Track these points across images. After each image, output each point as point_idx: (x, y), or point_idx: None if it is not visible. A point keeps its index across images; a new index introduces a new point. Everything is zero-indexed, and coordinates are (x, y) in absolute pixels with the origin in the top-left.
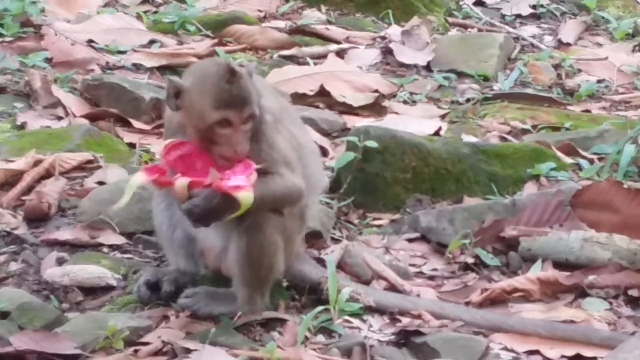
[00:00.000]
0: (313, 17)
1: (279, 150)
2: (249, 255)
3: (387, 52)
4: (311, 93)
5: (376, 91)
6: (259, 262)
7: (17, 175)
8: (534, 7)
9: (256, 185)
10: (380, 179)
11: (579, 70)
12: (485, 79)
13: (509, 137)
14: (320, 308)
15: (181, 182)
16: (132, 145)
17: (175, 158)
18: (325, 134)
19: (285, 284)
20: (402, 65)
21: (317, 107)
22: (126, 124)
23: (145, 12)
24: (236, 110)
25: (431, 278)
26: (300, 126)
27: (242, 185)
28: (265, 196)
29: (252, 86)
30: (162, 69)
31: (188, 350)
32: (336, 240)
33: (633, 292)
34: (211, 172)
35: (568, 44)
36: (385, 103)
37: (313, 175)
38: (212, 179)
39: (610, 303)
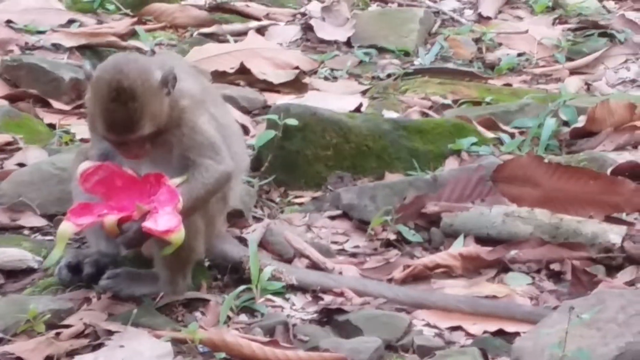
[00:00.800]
0: None
1: (202, 133)
2: None
3: (308, 28)
4: (231, 71)
5: (297, 68)
6: (181, 247)
7: None
8: None
9: (183, 192)
10: (301, 157)
11: (500, 44)
12: (406, 54)
13: (430, 113)
14: (242, 287)
15: (109, 220)
16: (52, 126)
17: (93, 184)
18: (246, 111)
19: (207, 263)
20: (322, 41)
21: (238, 84)
22: (46, 105)
23: None
24: (118, 135)
25: (353, 255)
26: (222, 106)
27: (172, 227)
28: (195, 201)
29: (146, 105)
30: (82, 49)
31: (110, 332)
32: (258, 219)
33: (555, 267)
34: (137, 208)
35: (488, 18)
36: (306, 80)
37: (237, 155)
38: (139, 213)
39: (533, 277)
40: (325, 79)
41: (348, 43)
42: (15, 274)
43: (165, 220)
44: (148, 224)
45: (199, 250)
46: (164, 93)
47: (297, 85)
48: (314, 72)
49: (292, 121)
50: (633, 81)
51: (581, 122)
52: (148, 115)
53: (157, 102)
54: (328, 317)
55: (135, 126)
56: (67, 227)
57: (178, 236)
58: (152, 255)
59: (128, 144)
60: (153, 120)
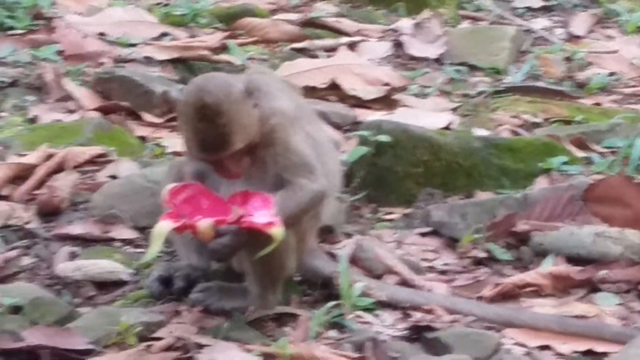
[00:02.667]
0: (324, 9)
1: (296, 152)
2: (262, 256)
3: (398, 45)
4: (322, 86)
5: (387, 84)
6: (271, 261)
7: (29, 170)
8: None
9: (276, 209)
10: (392, 173)
11: (590, 63)
12: (497, 72)
13: (521, 131)
14: (332, 303)
15: (205, 223)
16: (143, 139)
17: (180, 201)
18: (337, 127)
19: (297, 278)
20: (413, 58)
21: (328, 100)
22: (137, 118)
23: (156, 4)
24: (212, 153)
25: (443, 273)
26: (316, 123)
27: (272, 221)
28: (288, 218)
29: (233, 118)
30: (174, 62)
31: (200, 346)
32: (348, 235)
33: None
34: (233, 210)
35: (579, 37)
36: (397, 96)
37: (331, 173)
38: (235, 217)
39: (622, 298)
40: (416, 95)
41: (438, 60)
42: (106, 285)
43: (264, 217)
44: (247, 221)
45: (290, 266)
46: (251, 104)
47: (387, 101)
48: (404, 89)
49: (384, 137)
50: None
51: None
52: (237, 128)
53: (244, 114)
54: (417, 334)
55: (226, 142)
56: (163, 225)
57: (279, 231)
58: (243, 269)
59: (224, 162)
60: (243, 134)
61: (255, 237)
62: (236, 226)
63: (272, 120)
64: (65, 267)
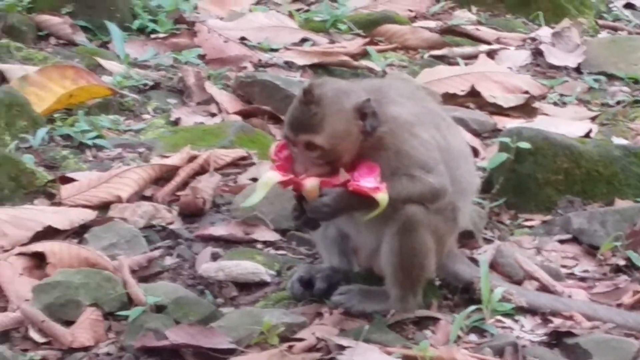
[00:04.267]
0: (464, 17)
1: (409, 156)
2: (402, 256)
3: (537, 53)
4: (462, 93)
5: (526, 92)
6: (411, 264)
7: (172, 171)
8: None
9: (387, 186)
10: (532, 180)
11: None
12: (636, 81)
13: None
14: (472, 307)
15: (312, 182)
16: None
17: (286, 156)
18: (476, 134)
19: (437, 282)
20: (552, 66)
21: (468, 107)
22: (278, 121)
23: (297, 10)
24: (292, 133)
25: (582, 279)
26: (448, 129)
27: (378, 186)
28: (394, 199)
29: (329, 117)
30: (314, 67)
31: (342, 347)
32: (488, 241)
33: None
34: (341, 173)
35: None
36: (536, 104)
37: (463, 178)
38: (342, 179)
39: None
40: (555, 104)
41: (577, 69)
42: (248, 286)
43: (369, 183)
44: (354, 184)
45: (430, 269)
46: (356, 122)
47: (526, 109)
48: (543, 97)
49: (524, 144)
50: None
51: None
52: (328, 127)
53: (343, 125)
54: (557, 340)
55: (310, 127)
56: (271, 176)
57: (384, 196)
58: (383, 274)
59: (300, 151)
60: (331, 137)
61: (359, 203)
62: (341, 188)
63: (382, 127)
64: (207, 267)
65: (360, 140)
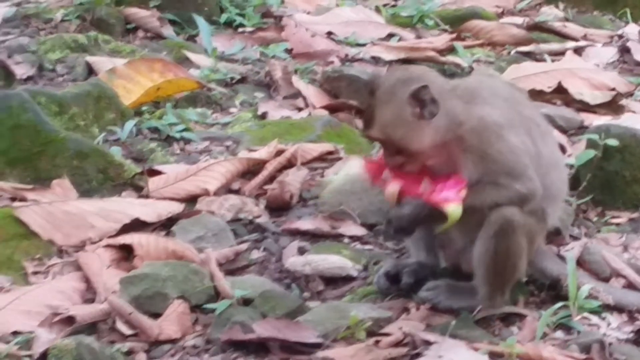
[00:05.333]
0: (550, 14)
1: (494, 162)
2: (496, 258)
3: (624, 50)
4: (548, 90)
5: (613, 89)
6: (505, 265)
7: (259, 165)
8: None
9: (471, 192)
10: (619, 178)
11: None
12: None
13: None
14: (559, 304)
15: (392, 188)
16: None
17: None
18: (563, 131)
19: (524, 279)
20: (638, 64)
21: (554, 104)
22: None
23: (384, 5)
24: (363, 127)
25: None
26: (541, 136)
27: (451, 198)
28: (479, 205)
29: (379, 107)
30: (401, 63)
31: (428, 343)
32: (575, 238)
33: None
34: (424, 183)
35: None
36: (622, 102)
37: (553, 185)
38: (423, 190)
39: None
40: None
41: None
42: (334, 281)
43: (445, 194)
44: (428, 195)
45: (522, 270)
46: (411, 110)
47: (613, 106)
48: (629, 95)
49: (613, 142)
50: None
51: None
52: (379, 118)
53: (394, 113)
54: None
55: (367, 123)
56: (358, 162)
57: (455, 209)
58: (473, 271)
59: (382, 146)
60: (384, 128)
61: (435, 216)
62: (420, 200)
63: (465, 126)
64: (294, 261)
65: (434, 134)
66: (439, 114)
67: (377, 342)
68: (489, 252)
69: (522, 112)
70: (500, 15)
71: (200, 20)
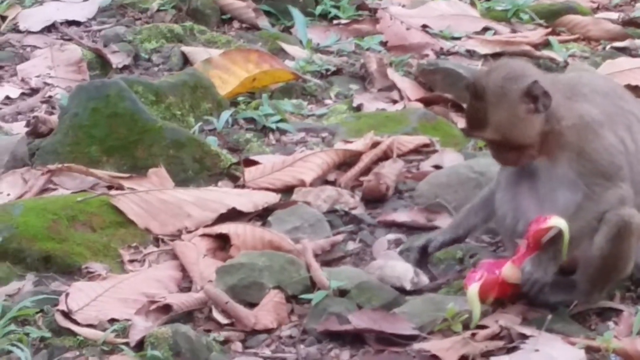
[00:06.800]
0: None
1: (591, 160)
2: (608, 260)
3: None
4: None
5: None
6: (615, 266)
7: (355, 156)
8: None
9: (570, 225)
10: None
11: None
12: None
13: None
14: None
15: (507, 268)
16: None
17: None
18: None
19: None
20: None
21: None
22: (460, 110)
23: None
24: (467, 130)
25: None
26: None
27: (476, 279)
28: (580, 233)
29: (492, 108)
30: (496, 56)
31: (525, 336)
32: None
33: None
34: (521, 245)
35: None
36: None
37: None
38: (523, 248)
39: None
40: None
41: None
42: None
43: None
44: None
45: (627, 272)
46: (526, 106)
47: None
48: None
49: None
50: None
51: None
52: (493, 119)
53: (509, 112)
54: None
55: (476, 124)
56: (473, 289)
57: (470, 290)
58: (577, 267)
59: (492, 146)
60: (499, 128)
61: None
62: (532, 254)
63: (564, 122)
64: (372, 264)
65: (541, 126)
66: (537, 112)
67: (473, 334)
68: (602, 255)
69: (623, 107)
70: (596, 10)
71: (295, 12)
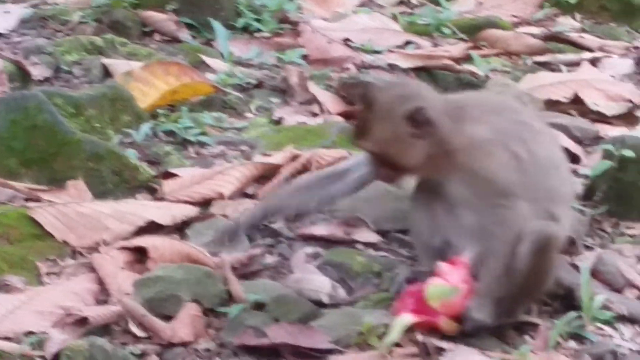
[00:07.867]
0: (567, 24)
1: (485, 180)
2: (531, 277)
3: None
4: (565, 100)
5: (629, 101)
6: (538, 282)
7: (274, 170)
8: None
9: (485, 273)
10: (635, 189)
11: None
12: None
13: None
14: (572, 314)
15: (402, 320)
16: None
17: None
18: (578, 141)
19: None
20: None
21: (570, 114)
22: None
23: (401, 13)
24: (353, 136)
25: None
26: (534, 138)
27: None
28: (501, 268)
29: (374, 122)
30: (417, 71)
31: (441, 350)
32: (589, 248)
33: None
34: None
35: None
36: (638, 113)
37: (554, 189)
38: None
39: None
40: None
41: None
42: (347, 286)
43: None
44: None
45: (549, 285)
46: (409, 129)
47: (629, 118)
48: None
49: (628, 153)
50: None
51: None
52: (375, 133)
53: (392, 130)
54: None
55: (360, 134)
56: (404, 318)
57: (402, 320)
58: None
59: (371, 157)
60: (380, 143)
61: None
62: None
63: (455, 145)
64: (290, 277)
65: (427, 150)
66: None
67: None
68: (522, 272)
69: (517, 120)
70: (517, 25)
71: (216, 25)
